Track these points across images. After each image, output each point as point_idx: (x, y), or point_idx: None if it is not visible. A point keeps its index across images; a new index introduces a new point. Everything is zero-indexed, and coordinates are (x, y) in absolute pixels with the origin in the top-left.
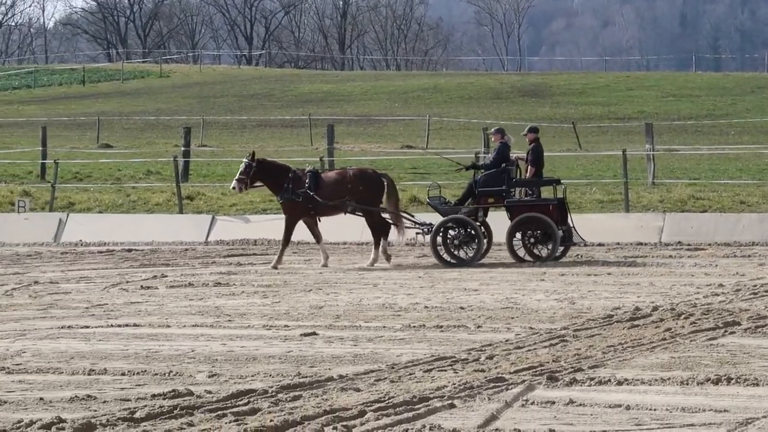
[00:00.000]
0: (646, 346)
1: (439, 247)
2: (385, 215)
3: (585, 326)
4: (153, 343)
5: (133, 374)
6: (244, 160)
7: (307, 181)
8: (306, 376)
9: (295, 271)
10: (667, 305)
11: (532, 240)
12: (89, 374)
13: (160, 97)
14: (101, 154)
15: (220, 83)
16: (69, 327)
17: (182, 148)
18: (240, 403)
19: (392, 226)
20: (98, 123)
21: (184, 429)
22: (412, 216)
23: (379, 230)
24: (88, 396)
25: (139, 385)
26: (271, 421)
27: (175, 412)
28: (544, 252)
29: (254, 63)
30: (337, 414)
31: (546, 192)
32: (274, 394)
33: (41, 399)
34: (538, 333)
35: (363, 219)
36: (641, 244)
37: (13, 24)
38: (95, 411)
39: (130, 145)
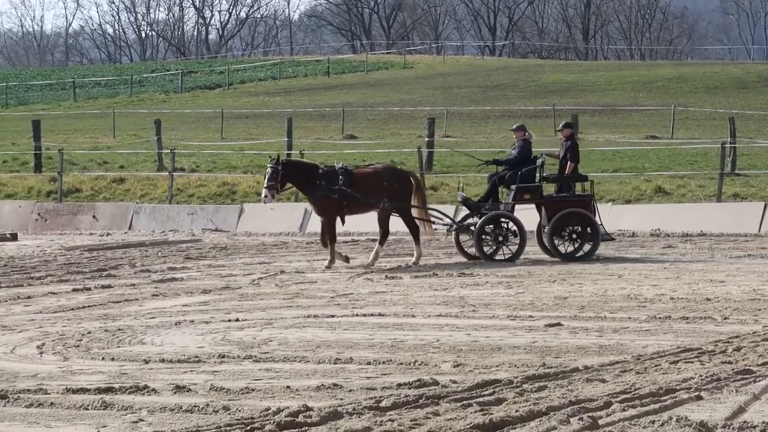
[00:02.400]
0: None
1: (483, 243)
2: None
3: None
4: (398, 332)
5: (379, 363)
6: (269, 165)
7: (341, 177)
8: (551, 367)
9: (540, 261)
10: None
11: (574, 236)
12: (335, 363)
13: (403, 88)
14: (346, 145)
15: (464, 74)
16: (315, 316)
17: (426, 139)
18: (485, 393)
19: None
20: (343, 114)
21: (430, 418)
22: (440, 212)
23: (416, 226)
24: (335, 384)
25: (385, 374)
26: (516, 411)
27: (421, 401)
28: (571, 248)
29: (497, 53)
30: (582, 405)
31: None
32: (519, 384)
33: (288, 387)
34: None
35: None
36: None
37: (258, 16)
38: (341, 399)
39: (374, 136)
